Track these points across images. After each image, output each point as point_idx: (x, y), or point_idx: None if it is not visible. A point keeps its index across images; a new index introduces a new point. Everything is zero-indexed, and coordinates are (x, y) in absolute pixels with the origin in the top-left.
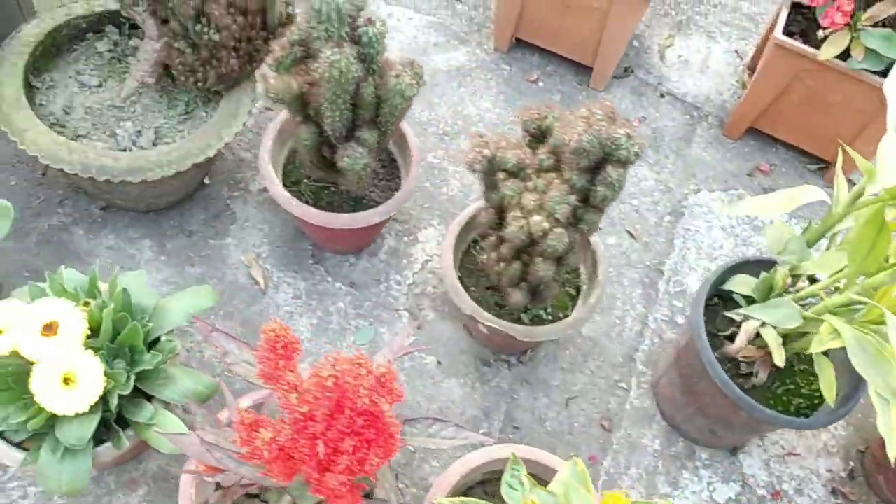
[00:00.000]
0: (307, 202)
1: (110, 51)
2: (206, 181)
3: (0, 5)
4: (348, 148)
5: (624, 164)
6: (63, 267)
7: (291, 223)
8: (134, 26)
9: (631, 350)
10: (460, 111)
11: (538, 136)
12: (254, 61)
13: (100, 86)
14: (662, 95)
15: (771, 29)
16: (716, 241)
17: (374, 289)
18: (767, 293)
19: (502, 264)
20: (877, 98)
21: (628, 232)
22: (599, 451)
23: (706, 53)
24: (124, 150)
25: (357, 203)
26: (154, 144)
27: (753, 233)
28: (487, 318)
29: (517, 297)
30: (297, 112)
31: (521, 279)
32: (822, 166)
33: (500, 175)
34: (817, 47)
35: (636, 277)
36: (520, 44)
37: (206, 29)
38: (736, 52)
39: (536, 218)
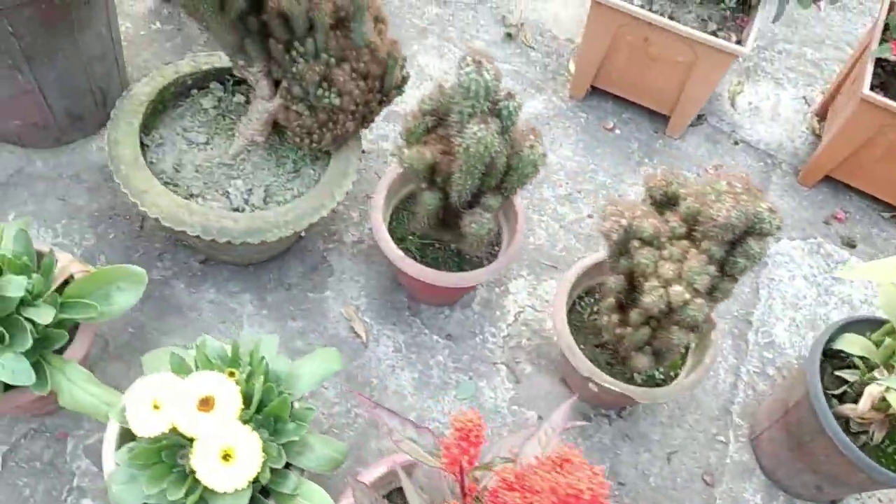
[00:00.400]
0: (414, 258)
1: (215, 107)
2: (303, 234)
3: (100, 59)
4: (475, 214)
5: (765, 236)
6: (205, 335)
7: (386, 275)
8: (238, 82)
9: (726, 402)
10: None
11: (664, 203)
12: (366, 122)
13: (207, 143)
14: (736, 143)
15: (844, 80)
16: (799, 291)
17: (470, 341)
18: (889, 356)
19: (628, 329)
20: None
21: None
22: None
23: (775, 100)
24: (237, 209)
25: (461, 259)
26: (265, 202)
27: (835, 282)
28: (608, 381)
29: (643, 361)
30: (424, 179)
31: (647, 343)
32: (895, 214)
33: (635, 243)
34: None
35: (725, 328)
36: (595, 91)
37: (327, 93)
38: (804, 98)
39: (677, 288)
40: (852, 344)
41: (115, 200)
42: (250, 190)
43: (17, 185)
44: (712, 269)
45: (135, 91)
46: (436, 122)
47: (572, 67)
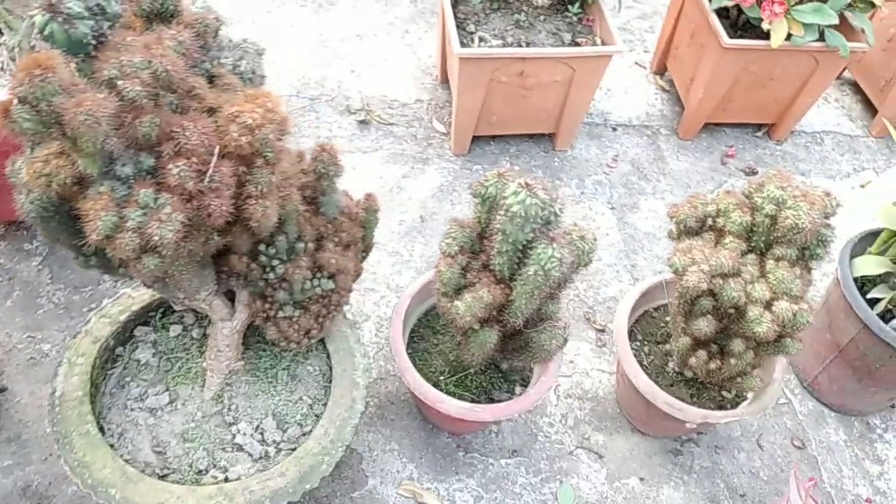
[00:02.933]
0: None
1: (154, 354)
2: None
3: None
4: (545, 329)
5: (830, 217)
6: None
7: (412, 424)
8: (164, 314)
9: None
10: None
11: (697, 229)
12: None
13: (172, 402)
14: (614, 129)
15: (671, 36)
16: None
17: (535, 445)
18: None
19: (729, 360)
20: (812, 60)
21: None
22: (812, 471)
23: (617, 77)
24: (264, 457)
25: (490, 387)
26: (285, 432)
27: None
28: (724, 416)
29: (750, 383)
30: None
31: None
32: (766, 130)
33: (718, 280)
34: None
35: None
36: (475, 139)
37: (317, 282)
38: (636, 63)
39: (782, 304)
40: (868, 266)
41: None
42: (259, 428)
43: None
44: (797, 271)
45: (61, 390)
46: (468, 260)
47: (438, 126)
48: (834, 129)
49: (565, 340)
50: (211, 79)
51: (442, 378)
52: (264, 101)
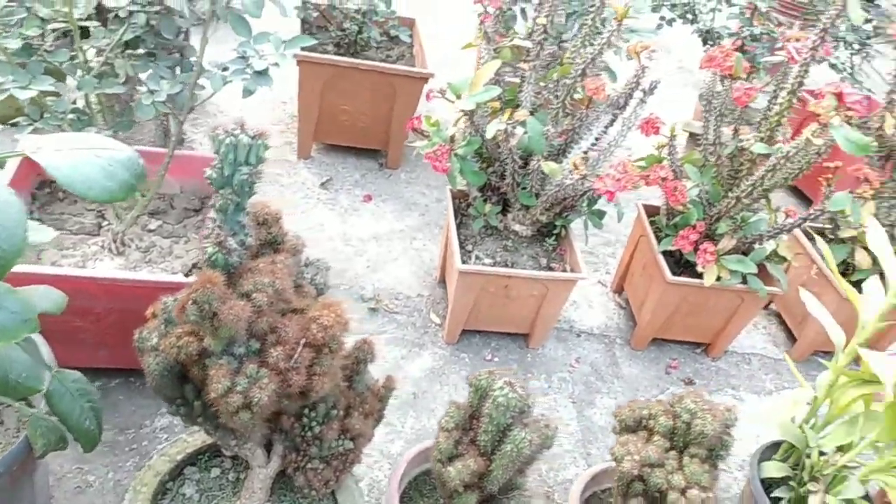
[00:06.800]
0: None
1: (198, 491)
2: None
3: None
4: (514, 497)
5: (731, 427)
6: None
7: None
8: (213, 457)
9: None
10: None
11: (635, 427)
12: None
13: None
14: (579, 335)
15: (629, 263)
16: None
17: None
18: (811, 470)
19: None
20: (738, 297)
21: None
22: None
23: (584, 292)
24: None
25: None
26: None
27: None
28: None
29: None
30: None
31: None
32: (704, 348)
33: (647, 469)
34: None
35: None
36: (465, 332)
37: (342, 442)
38: (600, 282)
39: (693, 492)
40: (772, 470)
41: None
42: None
43: None
44: (706, 466)
45: None
46: (460, 435)
47: (434, 318)
48: (761, 352)
49: None
50: (297, 287)
51: None
52: (337, 309)
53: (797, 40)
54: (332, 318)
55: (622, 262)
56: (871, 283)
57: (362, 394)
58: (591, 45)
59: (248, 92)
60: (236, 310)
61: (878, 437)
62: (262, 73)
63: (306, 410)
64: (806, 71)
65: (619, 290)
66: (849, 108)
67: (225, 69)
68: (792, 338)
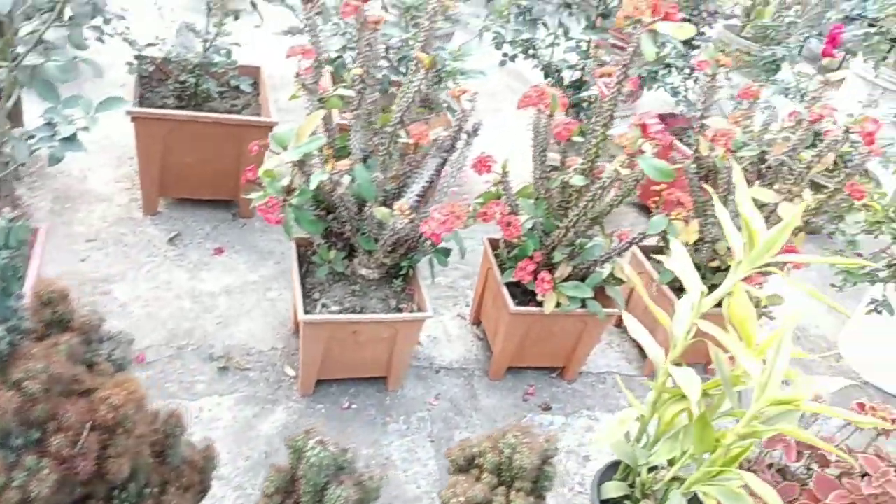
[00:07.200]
0: None
1: None
2: None
3: None
4: None
5: (552, 458)
6: None
7: None
8: None
9: None
10: None
11: (467, 466)
12: None
13: None
14: (438, 371)
15: (482, 295)
16: None
17: None
18: (644, 489)
19: None
20: (581, 321)
21: None
22: None
23: (444, 327)
24: None
25: None
26: None
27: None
28: None
29: None
30: None
31: None
32: (559, 372)
33: None
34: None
35: None
36: (319, 382)
37: None
38: (459, 315)
39: None
40: (611, 490)
41: None
42: None
43: None
44: (531, 499)
45: None
46: (282, 498)
47: (289, 371)
48: (615, 370)
49: None
50: (91, 365)
51: None
52: (129, 386)
53: (609, 76)
54: (124, 396)
55: (476, 295)
56: (684, 301)
57: (178, 467)
58: (407, 93)
59: (55, 159)
60: (1, 401)
61: (693, 450)
62: (70, 139)
63: (116, 492)
64: (614, 104)
65: (476, 321)
66: (652, 138)
67: (30, 137)
68: (644, 354)
